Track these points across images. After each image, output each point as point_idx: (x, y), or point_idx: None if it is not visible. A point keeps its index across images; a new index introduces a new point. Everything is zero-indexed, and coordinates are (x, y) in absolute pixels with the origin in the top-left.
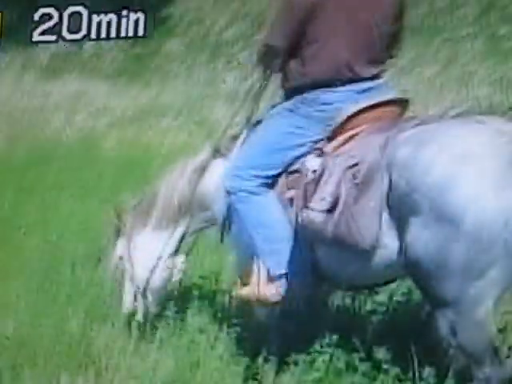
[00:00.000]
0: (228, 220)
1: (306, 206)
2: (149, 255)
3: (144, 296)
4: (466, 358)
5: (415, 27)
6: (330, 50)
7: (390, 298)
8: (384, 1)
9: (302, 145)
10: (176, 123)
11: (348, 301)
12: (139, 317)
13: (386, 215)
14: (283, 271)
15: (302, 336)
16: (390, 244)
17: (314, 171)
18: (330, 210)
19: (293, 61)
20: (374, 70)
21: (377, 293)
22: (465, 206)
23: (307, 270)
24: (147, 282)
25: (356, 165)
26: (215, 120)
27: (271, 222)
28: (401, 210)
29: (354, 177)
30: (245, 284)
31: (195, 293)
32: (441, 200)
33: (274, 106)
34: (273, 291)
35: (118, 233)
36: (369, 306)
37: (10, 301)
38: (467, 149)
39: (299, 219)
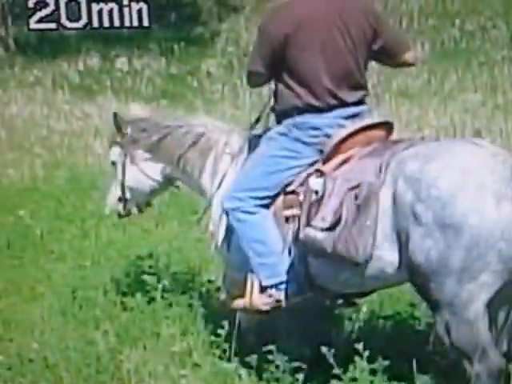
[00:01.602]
0: (226, 237)
1: (308, 224)
2: (142, 176)
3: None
4: (458, 355)
5: (451, 50)
6: (312, 77)
7: None
8: (357, 29)
9: (295, 167)
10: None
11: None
12: (121, 211)
13: (385, 228)
14: (274, 283)
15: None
16: (384, 256)
17: (316, 192)
18: (330, 228)
19: (280, 85)
20: (357, 95)
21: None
22: (465, 218)
23: (302, 281)
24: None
25: (357, 186)
26: None
27: (265, 238)
28: (403, 220)
29: (356, 198)
30: (235, 297)
31: None
32: (444, 211)
33: (267, 129)
34: (264, 301)
35: (116, 139)
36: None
37: (34, 323)
38: (467, 166)
39: (300, 235)
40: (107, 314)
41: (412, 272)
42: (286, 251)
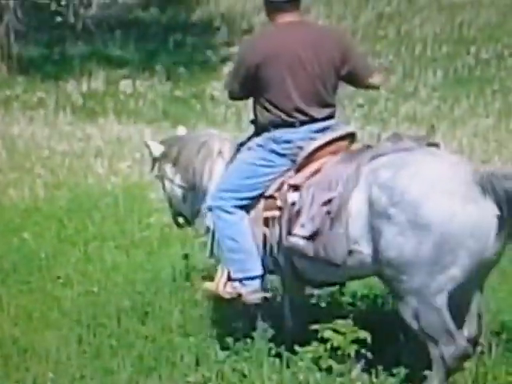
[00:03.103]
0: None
1: (289, 233)
2: (175, 187)
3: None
4: (426, 339)
5: (464, 78)
6: (283, 98)
7: None
8: (327, 57)
9: (269, 174)
10: None
11: None
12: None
13: (362, 228)
14: (240, 277)
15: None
16: (362, 251)
17: (293, 204)
18: (311, 236)
19: (258, 103)
20: (325, 112)
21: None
22: (435, 218)
23: (286, 272)
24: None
25: (329, 201)
26: None
27: (237, 236)
28: (376, 221)
29: (328, 212)
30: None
31: None
32: (416, 213)
33: (249, 138)
34: (227, 290)
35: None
36: None
37: (48, 352)
38: (434, 173)
39: (284, 242)
40: (122, 342)
41: (384, 264)
42: (260, 250)
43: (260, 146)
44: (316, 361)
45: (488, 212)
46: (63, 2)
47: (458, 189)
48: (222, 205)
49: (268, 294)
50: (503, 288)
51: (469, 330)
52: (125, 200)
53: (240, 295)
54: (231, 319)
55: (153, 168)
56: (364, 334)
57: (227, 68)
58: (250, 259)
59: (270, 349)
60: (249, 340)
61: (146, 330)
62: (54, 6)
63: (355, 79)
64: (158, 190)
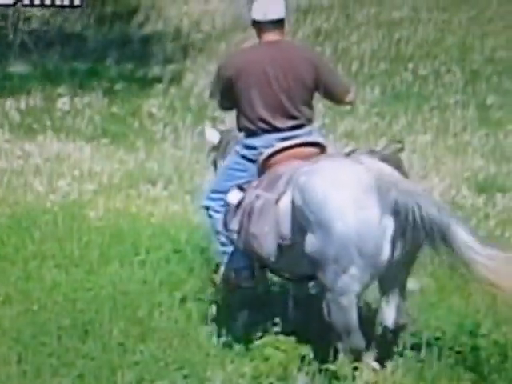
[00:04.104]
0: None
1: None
2: None
3: None
4: (335, 333)
5: (402, 95)
6: (251, 109)
7: None
8: (295, 74)
9: (243, 177)
10: (167, 192)
11: None
12: None
13: (292, 226)
14: (233, 267)
15: None
16: (292, 247)
17: (235, 205)
18: (239, 232)
19: (236, 112)
20: (290, 123)
21: None
22: (333, 221)
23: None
24: None
25: (254, 201)
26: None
27: (224, 232)
28: (299, 219)
29: (251, 211)
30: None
31: None
32: (320, 215)
33: (236, 143)
34: (224, 280)
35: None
36: None
37: None
38: (340, 180)
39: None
40: (63, 361)
41: (306, 262)
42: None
43: (237, 152)
44: (257, 378)
45: (381, 219)
46: None
47: (358, 196)
48: (211, 204)
49: (256, 283)
50: (442, 305)
51: (389, 320)
52: (64, 218)
53: (234, 284)
54: (170, 337)
55: (209, 154)
56: (306, 351)
57: (164, 85)
58: (236, 251)
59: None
60: (187, 355)
61: (86, 349)
62: None
63: (332, 96)
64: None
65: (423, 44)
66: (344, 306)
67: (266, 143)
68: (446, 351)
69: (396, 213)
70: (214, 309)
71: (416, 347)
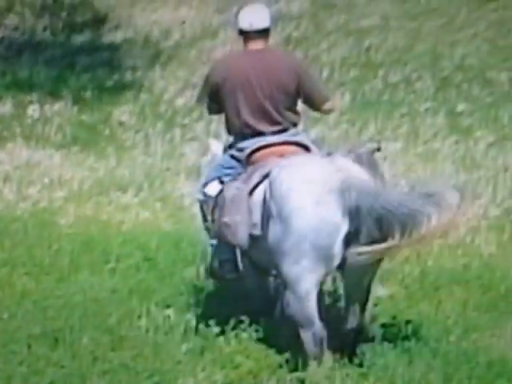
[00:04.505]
0: None
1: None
2: None
3: None
4: (293, 323)
5: (372, 102)
6: (236, 114)
7: None
8: (278, 82)
9: (230, 174)
10: (137, 199)
11: None
12: None
13: (259, 214)
14: (220, 259)
15: None
16: (261, 236)
17: (213, 196)
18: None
19: (224, 115)
20: (274, 128)
21: None
22: (291, 215)
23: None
24: None
25: (224, 191)
26: (179, 196)
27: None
28: (267, 210)
29: (225, 201)
30: None
31: None
32: (282, 207)
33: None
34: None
35: None
36: None
37: None
38: (305, 177)
39: None
40: (33, 369)
41: (269, 250)
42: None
43: (226, 151)
44: None
45: (336, 217)
46: None
47: (319, 193)
48: (202, 198)
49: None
50: (412, 312)
51: (351, 322)
52: (34, 225)
53: (219, 276)
54: (141, 345)
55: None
56: (277, 358)
57: (134, 92)
58: (221, 244)
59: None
60: (158, 363)
61: (56, 357)
62: None
63: (312, 104)
64: None
65: (393, 51)
66: (300, 296)
67: (252, 145)
68: (415, 358)
69: (355, 213)
70: (185, 316)
71: (385, 354)
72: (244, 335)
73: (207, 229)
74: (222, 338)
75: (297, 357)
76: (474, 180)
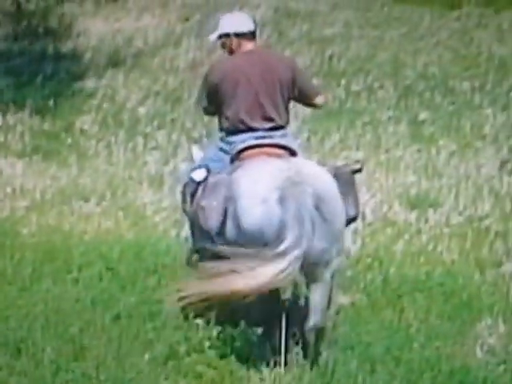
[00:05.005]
0: None
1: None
2: None
3: None
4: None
5: (335, 110)
6: (232, 111)
7: None
8: (275, 79)
9: (218, 167)
10: (99, 208)
11: None
12: None
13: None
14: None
15: None
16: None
17: (199, 182)
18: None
19: (218, 113)
20: (267, 125)
21: None
22: (242, 211)
23: None
24: None
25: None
26: (141, 205)
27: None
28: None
29: (206, 186)
30: None
31: None
32: (236, 205)
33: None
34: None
35: None
36: None
37: None
38: (255, 177)
39: None
40: None
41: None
42: None
43: (216, 145)
44: None
45: (278, 213)
46: None
47: (264, 191)
48: None
49: None
50: (374, 320)
51: (314, 320)
52: None
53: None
54: (103, 355)
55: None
56: (238, 367)
57: (96, 101)
58: (198, 232)
59: None
60: (120, 373)
61: (19, 366)
62: None
63: (303, 99)
64: None
65: (355, 60)
66: None
67: (242, 140)
68: (378, 366)
69: (291, 208)
70: (147, 325)
71: (348, 362)
72: (206, 344)
73: (185, 211)
74: (184, 347)
75: (259, 365)
76: (436, 188)
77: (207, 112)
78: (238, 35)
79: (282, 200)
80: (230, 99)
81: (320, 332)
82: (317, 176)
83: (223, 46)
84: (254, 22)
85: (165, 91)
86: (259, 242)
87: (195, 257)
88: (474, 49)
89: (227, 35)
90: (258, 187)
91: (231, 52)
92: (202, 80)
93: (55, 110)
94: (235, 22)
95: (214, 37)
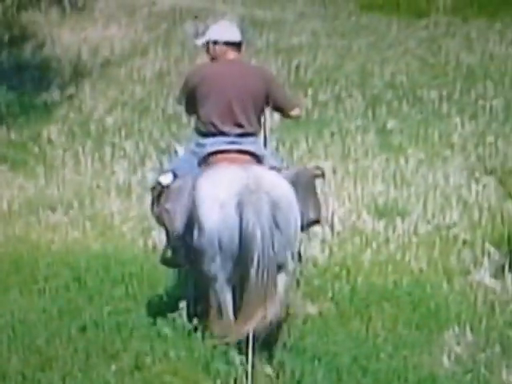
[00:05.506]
0: None
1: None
2: None
3: None
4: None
5: (302, 120)
6: (205, 114)
7: None
8: (248, 89)
9: (185, 168)
10: (67, 218)
11: None
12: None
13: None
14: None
15: None
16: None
17: (163, 185)
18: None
19: (195, 115)
20: (237, 131)
21: None
22: (203, 217)
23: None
24: None
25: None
26: (109, 214)
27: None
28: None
29: (171, 190)
30: None
31: None
32: (196, 212)
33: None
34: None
35: None
36: None
37: None
38: (215, 182)
39: None
40: None
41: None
42: None
43: (189, 148)
44: None
45: (234, 219)
46: None
47: (223, 196)
48: None
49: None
50: (342, 330)
51: (274, 312)
52: None
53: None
54: (70, 366)
55: None
56: (206, 377)
57: (63, 111)
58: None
59: None
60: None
61: None
62: None
63: (280, 110)
64: None
65: (323, 70)
66: (217, 290)
67: (213, 143)
68: (345, 376)
69: (249, 214)
70: (113, 336)
71: (314, 372)
72: (172, 354)
73: (152, 213)
74: (151, 357)
75: (226, 374)
76: (405, 197)
77: (188, 112)
78: (227, 43)
79: (239, 205)
80: (204, 102)
81: (287, 341)
82: (274, 185)
83: (208, 51)
84: (243, 33)
85: (132, 101)
86: (217, 245)
87: (169, 254)
88: (442, 57)
89: (215, 42)
90: (218, 192)
91: (214, 58)
92: (183, 82)
93: (22, 120)
94: (226, 30)
95: (201, 41)
